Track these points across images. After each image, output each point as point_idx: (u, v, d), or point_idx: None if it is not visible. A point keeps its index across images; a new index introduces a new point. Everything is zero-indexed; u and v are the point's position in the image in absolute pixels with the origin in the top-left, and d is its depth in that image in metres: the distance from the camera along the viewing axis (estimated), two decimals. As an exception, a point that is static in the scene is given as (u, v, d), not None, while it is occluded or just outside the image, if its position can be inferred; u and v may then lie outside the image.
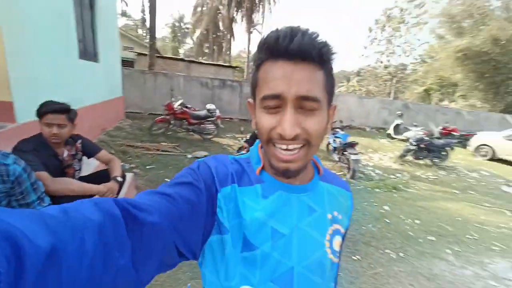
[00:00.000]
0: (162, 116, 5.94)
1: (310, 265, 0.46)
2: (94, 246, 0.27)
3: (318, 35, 0.40)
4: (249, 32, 22.24)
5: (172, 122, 5.97)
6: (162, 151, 4.99)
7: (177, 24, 41.92)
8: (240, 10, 21.29)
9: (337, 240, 0.50)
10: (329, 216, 0.50)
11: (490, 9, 18.49)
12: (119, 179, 1.54)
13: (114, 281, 0.29)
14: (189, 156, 4.93)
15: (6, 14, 2.13)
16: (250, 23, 21.48)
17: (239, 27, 23.65)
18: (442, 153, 6.67)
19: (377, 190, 4.50)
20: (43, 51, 2.73)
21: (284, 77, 0.39)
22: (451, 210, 3.92)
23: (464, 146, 9.45)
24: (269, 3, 20.28)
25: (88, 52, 4.28)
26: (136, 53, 15.01)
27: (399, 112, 10.20)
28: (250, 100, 0.49)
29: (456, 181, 5.69)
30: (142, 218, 0.33)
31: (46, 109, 1.30)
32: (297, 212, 0.46)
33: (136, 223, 0.32)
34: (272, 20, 22.06)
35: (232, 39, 26.32)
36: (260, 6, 19.48)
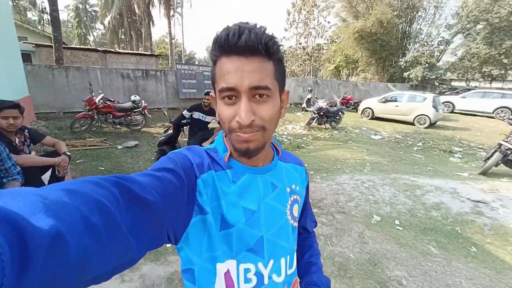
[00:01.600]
0: (83, 112, 5.88)
1: (276, 231, 0.54)
2: (99, 224, 0.27)
3: (264, 30, 0.44)
4: (169, 16, 21.32)
5: (96, 117, 6.00)
6: (90, 145, 5.13)
7: (80, 6, 36.06)
8: (155, -7, 20.06)
9: (295, 207, 0.60)
10: (288, 189, 0.58)
11: (376, -6, 22.31)
12: (68, 153, 2.09)
13: (119, 257, 0.31)
14: (119, 147, 5.23)
15: None
16: (169, 7, 20.56)
17: (157, 10, 22.17)
18: (336, 117, 8.61)
19: (286, 150, 5.84)
20: None
21: (237, 71, 0.43)
22: (330, 154, 5.53)
23: (356, 110, 12.06)
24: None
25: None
26: (33, 45, 12.94)
27: (310, 88, 12.13)
28: (212, 93, 0.52)
29: (343, 136, 7.62)
30: (142, 197, 0.35)
31: (3, 106, 1.77)
32: (262, 190, 0.53)
33: (136, 200, 0.34)
34: (191, 2, 21.43)
35: (151, 24, 24.70)
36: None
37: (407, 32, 22.27)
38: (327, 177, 4.06)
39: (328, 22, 28.94)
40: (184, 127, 4.06)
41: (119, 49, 23.72)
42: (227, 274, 0.49)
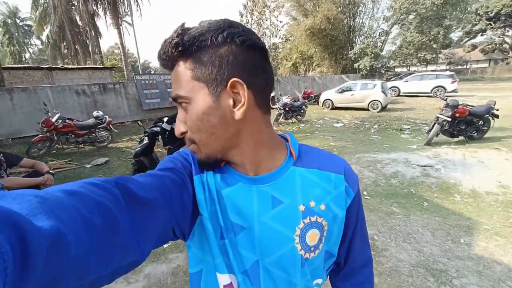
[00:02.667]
0: (40, 135, 5.47)
1: (276, 260, 0.44)
2: (99, 224, 0.27)
3: (175, 36, 0.39)
4: (119, 27, 20.26)
5: (55, 138, 5.62)
6: (55, 169, 4.82)
7: (9, 21, 32.29)
8: (100, 3, 18.91)
9: (312, 234, 0.44)
10: (302, 207, 0.44)
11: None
12: (51, 171, 2.06)
13: (121, 258, 0.30)
14: (88, 166, 5.00)
15: None
16: (117, 17, 19.54)
17: (103, 20, 20.90)
18: (301, 111, 9.16)
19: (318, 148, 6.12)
20: None
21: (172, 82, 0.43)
22: (301, 145, 5.95)
23: (317, 103, 12.89)
24: (132, -6, 18.91)
25: None
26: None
27: (272, 86, 12.62)
28: None
29: (309, 128, 8.17)
30: (141, 196, 0.34)
31: None
32: (257, 205, 0.44)
33: (136, 200, 0.34)
34: (141, 10, 20.55)
35: (98, 36, 23.19)
36: (123, -2, 17.94)
37: (352, 26, 24.26)
38: (301, 165, 4.42)
39: (280, 22, 29.86)
40: (158, 136, 4.08)
41: (64, 64, 21.84)
42: (229, 286, 0.43)
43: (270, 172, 0.45)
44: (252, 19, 29.15)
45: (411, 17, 21.38)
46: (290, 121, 9.07)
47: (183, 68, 0.40)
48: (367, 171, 3.80)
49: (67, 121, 5.79)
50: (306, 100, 10.17)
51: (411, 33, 21.00)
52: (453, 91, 13.20)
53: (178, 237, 0.42)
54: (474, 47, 30.55)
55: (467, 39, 31.12)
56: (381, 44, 24.01)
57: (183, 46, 0.39)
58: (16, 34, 32.44)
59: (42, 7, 22.51)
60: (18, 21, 32.92)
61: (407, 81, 15.25)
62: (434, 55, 22.06)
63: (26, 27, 33.70)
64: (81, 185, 0.30)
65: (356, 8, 23.42)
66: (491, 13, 25.22)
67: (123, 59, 19.98)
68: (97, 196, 0.29)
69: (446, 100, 5.29)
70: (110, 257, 0.29)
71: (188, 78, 0.40)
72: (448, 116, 5.06)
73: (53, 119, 5.58)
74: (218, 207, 0.43)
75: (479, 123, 5.31)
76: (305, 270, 0.45)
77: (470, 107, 5.28)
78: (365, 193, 3.23)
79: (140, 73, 14.24)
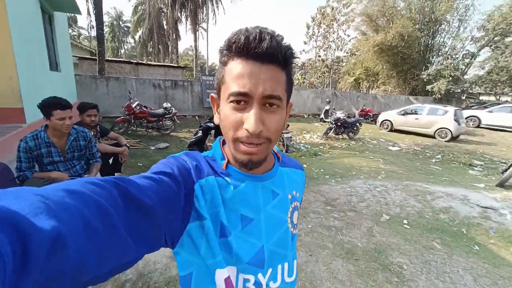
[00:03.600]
0: (122, 117, 6.66)
1: (276, 240, 0.53)
2: (98, 226, 0.28)
3: (283, 38, 0.44)
4: (195, 32, 22.78)
5: (132, 121, 6.75)
6: (129, 146, 5.83)
7: (115, 22, 39.45)
8: (183, 10, 21.66)
9: (296, 214, 0.59)
10: (289, 196, 0.58)
11: (397, 9, 22.47)
12: (128, 145, 2.65)
13: (117, 259, 0.31)
14: (152, 148, 5.87)
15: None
16: (195, 23, 22.02)
17: (183, 25, 23.83)
18: (354, 128, 8.81)
19: (303, 157, 6.17)
20: (34, 66, 3.52)
21: (252, 76, 0.42)
22: (346, 162, 5.78)
23: (375, 122, 12.11)
24: (212, 4, 21.07)
25: (53, 63, 4.89)
26: (77, 57, 14.49)
27: (328, 99, 12.42)
28: (214, 95, 0.51)
29: (360, 146, 7.80)
30: (140, 200, 0.35)
31: (88, 106, 2.38)
32: (262, 198, 0.52)
33: (134, 204, 0.34)
34: (216, 19, 22.82)
35: (178, 39, 26.42)
36: (204, 8, 20.16)
37: (429, 45, 21.98)
38: (342, 181, 4.34)
39: (348, 36, 28.89)
40: (212, 131, 4.57)
41: (147, 61, 25.57)
42: (228, 279, 0.47)
43: (268, 172, 0.55)
44: (319, 32, 29.09)
45: (508, 39, 18.27)
46: (340, 136, 8.81)
47: (281, 75, 0.45)
48: (413, 200, 3.52)
49: (143, 108, 6.89)
50: (362, 118, 9.71)
51: (506, 57, 17.93)
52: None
53: (167, 245, 0.43)
54: None
55: None
56: (464, 67, 21.11)
57: (292, 58, 0.45)
58: (118, 33, 39.35)
59: (140, 12, 26.90)
60: (121, 23, 39.85)
61: (491, 111, 13.08)
62: (535, 85, 18.35)
63: (125, 28, 40.51)
64: (82, 185, 0.31)
65: (437, 26, 21.17)
66: None
67: (194, 60, 22.36)
68: (97, 196, 0.30)
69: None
70: (106, 258, 0.29)
71: (283, 85, 0.45)
72: (532, 158, 4.27)
73: (133, 105, 6.72)
74: (223, 207, 0.48)
75: None
76: (292, 244, 0.58)
77: None
78: (405, 221, 3.03)
79: (206, 74, 15.73)
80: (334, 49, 29.36)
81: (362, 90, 28.15)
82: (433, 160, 6.71)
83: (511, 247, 2.62)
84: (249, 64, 0.42)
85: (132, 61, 16.55)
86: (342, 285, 1.94)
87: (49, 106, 1.74)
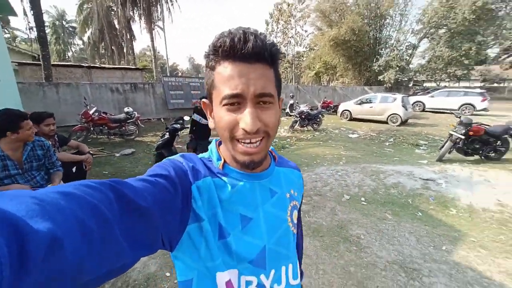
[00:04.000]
0: (79, 125, 6.23)
1: (278, 240, 0.53)
2: (94, 228, 0.28)
3: (266, 36, 0.44)
4: (151, 31, 21.77)
5: (91, 129, 6.35)
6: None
7: (57, 22, 35.76)
8: (136, 9, 20.52)
9: (295, 213, 0.60)
10: (287, 195, 0.58)
11: (347, 5, 23.92)
12: (91, 152, 2.57)
13: (113, 262, 0.31)
14: (117, 154, 5.62)
15: None
16: (150, 22, 21.03)
17: (138, 25, 22.59)
18: (317, 120, 9.35)
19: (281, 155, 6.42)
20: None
21: (242, 77, 0.42)
22: (311, 152, 6.17)
23: (336, 113, 12.94)
24: (166, 2, 20.29)
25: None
26: (16, 63, 12.94)
27: (291, 94, 12.92)
28: (206, 100, 0.52)
29: (324, 136, 8.33)
30: (136, 202, 0.35)
31: (45, 115, 2.28)
32: (260, 196, 0.53)
33: (130, 206, 0.34)
34: (172, 17, 22.06)
35: (133, 39, 25.00)
36: (158, 5, 19.31)
37: (378, 38, 23.92)
38: (308, 169, 4.67)
39: (306, 31, 30.18)
40: (179, 132, 4.55)
41: (101, 63, 23.80)
42: (229, 283, 0.47)
43: (265, 170, 0.55)
44: (278, 28, 29.81)
45: (441, 31, 20.71)
46: (305, 128, 9.29)
47: (270, 72, 0.46)
48: (369, 180, 3.96)
49: (102, 114, 6.53)
50: (324, 110, 10.34)
51: (440, 47, 20.32)
52: (483, 109, 12.62)
53: (165, 247, 0.42)
54: (512, 64, 28.65)
55: (505, 56, 29.31)
56: (408, 57, 23.41)
57: (278, 54, 0.46)
58: (62, 34, 35.78)
59: (86, 11, 24.79)
60: (64, 23, 36.26)
61: (433, 96, 14.77)
62: (465, 71, 21.10)
63: (70, 29, 36.99)
64: (77, 187, 0.31)
65: (383, 20, 23.12)
66: (533, 29, 23.66)
67: (153, 61, 21.38)
68: (92, 198, 0.30)
69: (460, 117, 5.27)
70: (103, 260, 0.29)
71: (273, 82, 0.46)
72: (461, 134, 5.04)
73: (91, 112, 6.33)
74: (220, 208, 0.48)
75: (497, 143, 5.22)
76: (293, 244, 0.59)
77: (486, 126, 5.21)
78: (363, 199, 3.42)
79: (168, 75, 15.20)
80: (294, 45, 30.46)
81: (323, 83, 29.62)
82: (387, 144, 7.47)
83: (446, 210, 3.14)
84: (237, 65, 0.43)
85: (83, 64, 15.28)
86: (309, 259, 2.18)
87: (17, 118, 1.71)
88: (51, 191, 0.28)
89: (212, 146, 0.56)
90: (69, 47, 38.37)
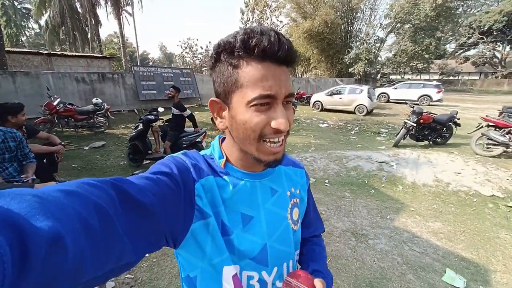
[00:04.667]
0: (42, 117, 5.90)
1: (278, 237, 0.54)
2: (96, 226, 0.28)
3: (289, 45, 0.44)
4: (119, 17, 20.45)
5: (56, 121, 6.05)
6: (55, 148, 5.27)
7: (7, 2, 31.98)
8: (101, -9, 19.07)
9: (295, 211, 0.60)
10: (288, 193, 0.58)
11: (321, -3, 24.34)
12: (63, 143, 2.58)
13: (116, 260, 0.31)
14: (86, 148, 5.45)
15: None
16: (118, 7, 19.73)
17: (104, 9, 21.04)
18: (290, 110, 9.70)
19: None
20: None
21: (275, 78, 0.43)
22: (283, 141, 6.51)
23: (308, 104, 13.46)
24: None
25: None
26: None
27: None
28: (216, 99, 0.49)
29: (296, 126, 8.72)
30: (138, 200, 0.35)
31: (22, 106, 2.25)
32: (261, 195, 0.53)
33: (132, 204, 0.34)
34: (142, 3, 20.72)
35: (98, 25, 23.32)
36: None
37: (349, 32, 24.84)
38: (279, 157, 4.98)
39: (281, 22, 30.26)
40: (153, 123, 4.57)
41: (61, 50, 21.97)
42: (235, 277, 0.48)
43: (266, 169, 0.55)
44: (253, 17, 29.57)
45: (406, 26, 22.08)
46: (278, 119, 9.60)
47: (288, 73, 0.47)
48: (333, 164, 4.37)
49: (68, 106, 6.22)
50: (296, 101, 10.73)
51: (405, 42, 21.72)
52: (438, 100, 13.91)
53: (169, 245, 0.43)
54: (466, 59, 31.55)
55: (460, 51, 32.13)
56: (376, 50, 24.67)
57: (298, 58, 0.47)
58: (14, 16, 32.15)
59: (43, -8, 22.49)
60: (16, 3, 32.57)
61: (396, 88, 15.91)
62: (425, 65, 22.84)
63: (24, 10, 33.40)
64: (78, 185, 0.31)
65: (354, 14, 24.00)
66: (484, 27, 26.16)
67: (121, 49, 20.22)
68: (94, 196, 0.30)
69: (413, 107, 5.89)
70: (105, 259, 0.29)
71: (290, 83, 0.48)
72: (413, 122, 5.66)
73: (55, 103, 6.01)
74: (223, 207, 0.48)
75: (442, 130, 5.94)
76: (294, 240, 0.59)
77: (434, 115, 5.90)
78: (326, 181, 3.80)
79: (139, 64, 14.59)
80: (269, 35, 30.38)
81: (298, 75, 30.23)
82: (352, 132, 8.06)
83: (394, 187, 3.62)
84: (269, 66, 0.43)
85: (42, 51, 14.07)
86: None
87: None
88: (52, 189, 0.28)
89: (214, 143, 0.56)
90: (22, 30, 34.66)
